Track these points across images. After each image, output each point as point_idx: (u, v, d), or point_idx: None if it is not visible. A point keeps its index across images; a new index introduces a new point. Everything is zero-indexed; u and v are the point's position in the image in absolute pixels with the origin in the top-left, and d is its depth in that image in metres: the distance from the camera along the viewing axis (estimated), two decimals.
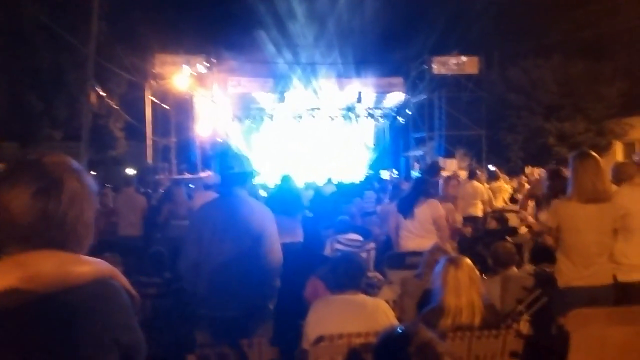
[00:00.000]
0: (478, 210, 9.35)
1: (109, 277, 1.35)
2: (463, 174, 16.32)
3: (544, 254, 4.44)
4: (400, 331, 2.00)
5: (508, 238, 5.93)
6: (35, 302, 1.20)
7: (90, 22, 16.48)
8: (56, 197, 1.29)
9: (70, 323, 1.25)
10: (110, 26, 20.01)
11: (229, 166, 3.77)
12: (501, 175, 11.87)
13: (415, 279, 4.50)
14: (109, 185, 15.05)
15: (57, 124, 23.08)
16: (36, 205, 1.27)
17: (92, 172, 19.68)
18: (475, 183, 9.83)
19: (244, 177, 3.79)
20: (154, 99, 21.87)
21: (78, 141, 19.16)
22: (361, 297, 3.44)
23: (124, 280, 1.40)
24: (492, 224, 7.64)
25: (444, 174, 10.38)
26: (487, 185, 10.17)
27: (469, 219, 8.82)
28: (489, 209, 9.27)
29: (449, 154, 22.93)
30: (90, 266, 1.31)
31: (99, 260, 1.35)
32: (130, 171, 25.07)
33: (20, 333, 1.21)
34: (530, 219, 5.44)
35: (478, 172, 10.79)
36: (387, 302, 3.93)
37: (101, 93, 19.18)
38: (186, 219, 7.84)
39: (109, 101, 20.98)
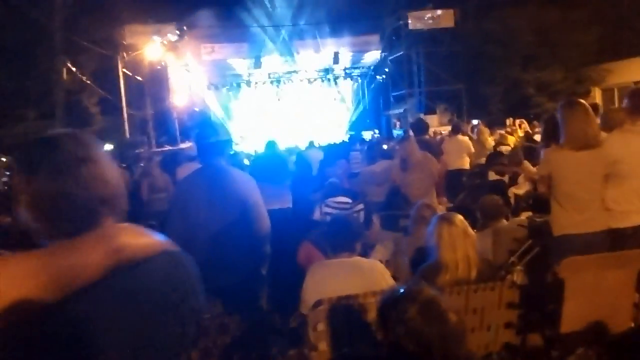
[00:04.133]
0: (465, 164, 9.44)
1: (171, 246, 1.38)
2: (445, 129, 16.40)
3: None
4: (403, 290, 2.00)
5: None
6: (122, 273, 1.23)
7: None
8: (97, 162, 1.31)
9: (153, 290, 1.28)
10: None
11: (205, 135, 3.69)
12: (483, 128, 11.89)
13: (406, 237, 4.53)
14: None
15: (29, 103, 22.57)
16: (88, 174, 1.28)
17: None
18: (460, 137, 9.90)
19: (222, 146, 3.72)
20: (127, 71, 21.42)
21: (52, 119, 18.81)
22: (357, 259, 3.45)
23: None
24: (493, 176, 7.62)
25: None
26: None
27: (457, 173, 8.88)
28: (475, 162, 9.37)
29: (430, 110, 22.91)
30: (153, 237, 1.34)
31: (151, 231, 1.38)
32: (108, 147, 24.72)
33: (111, 305, 1.22)
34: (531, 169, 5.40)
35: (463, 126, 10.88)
36: (380, 261, 3.96)
37: (72, 68, 18.75)
38: (164, 191, 7.75)
39: (81, 76, 20.54)
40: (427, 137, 8.52)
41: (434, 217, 3.48)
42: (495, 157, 7.73)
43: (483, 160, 9.34)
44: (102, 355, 1.21)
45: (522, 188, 6.52)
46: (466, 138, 10.09)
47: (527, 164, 4.27)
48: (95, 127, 25.48)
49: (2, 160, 16.80)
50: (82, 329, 1.19)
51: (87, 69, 21.84)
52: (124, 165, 11.35)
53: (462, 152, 9.54)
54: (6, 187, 9.11)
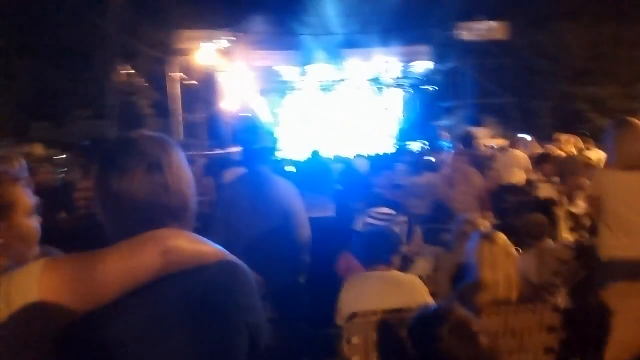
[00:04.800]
0: (520, 179, 9.21)
1: (229, 256, 1.32)
2: (497, 142, 16.13)
3: None
4: (434, 310, 1.99)
5: None
6: (174, 277, 1.19)
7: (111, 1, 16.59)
8: (169, 170, 1.28)
9: (205, 301, 1.23)
10: (134, 2, 20.01)
11: (249, 141, 3.75)
12: (533, 142, 11.63)
13: (447, 252, 4.48)
14: None
15: (85, 103, 23.41)
16: (155, 181, 1.25)
17: None
18: (517, 151, 9.69)
19: (266, 152, 3.77)
20: (181, 74, 21.94)
21: (107, 119, 19.43)
22: (395, 273, 3.42)
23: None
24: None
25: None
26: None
27: (509, 189, 8.69)
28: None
29: (479, 123, 22.57)
30: (213, 246, 1.29)
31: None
32: None
33: (160, 307, 1.19)
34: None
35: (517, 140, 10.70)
36: (421, 276, 3.92)
37: (127, 71, 19.32)
38: (205, 195, 7.88)
39: (136, 78, 21.15)
40: (474, 150, 8.40)
41: (474, 234, 3.43)
42: (544, 158, 7.45)
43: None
44: None
45: (579, 206, 6.29)
46: (522, 153, 9.86)
47: (586, 180, 4.13)
48: (148, 129, 26.21)
49: (60, 158, 17.44)
50: (121, 338, 1.16)
51: (141, 71, 22.50)
52: None
53: (517, 167, 9.31)
54: (62, 184, 9.42)
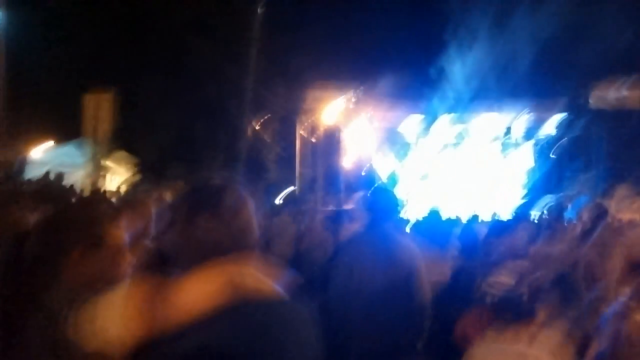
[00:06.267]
0: None
1: (288, 295, 1.41)
2: (629, 215, 14.97)
3: None
4: None
5: None
6: (240, 308, 1.27)
7: (249, 60, 17.79)
8: (247, 215, 1.44)
9: (270, 334, 1.31)
10: (267, 59, 21.29)
11: (375, 200, 3.81)
12: None
13: (577, 328, 4.18)
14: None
15: (217, 153, 24.98)
16: (237, 224, 1.41)
17: None
18: None
19: (390, 210, 3.81)
20: (303, 133, 22.86)
21: (234, 170, 20.59)
22: (521, 349, 3.25)
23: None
24: None
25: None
26: None
27: None
28: None
29: (608, 194, 21.06)
30: (275, 284, 1.39)
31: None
32: (279, 201, 26.21)
33: (227, 338, 1.26)
34: None
35: None
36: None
37: (256, 127, 20.46)
38: (321, 246, 8.00)
39: (263, 134, 22.32)
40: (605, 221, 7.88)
41: (613, 311, 3.19)
42: None
43: None
44: None
45: None
46: None
47: None
48: (270, 181, 27.34)
49: None
50: None
51: (268, 126, 23.70)
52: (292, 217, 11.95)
53: None
54: None
